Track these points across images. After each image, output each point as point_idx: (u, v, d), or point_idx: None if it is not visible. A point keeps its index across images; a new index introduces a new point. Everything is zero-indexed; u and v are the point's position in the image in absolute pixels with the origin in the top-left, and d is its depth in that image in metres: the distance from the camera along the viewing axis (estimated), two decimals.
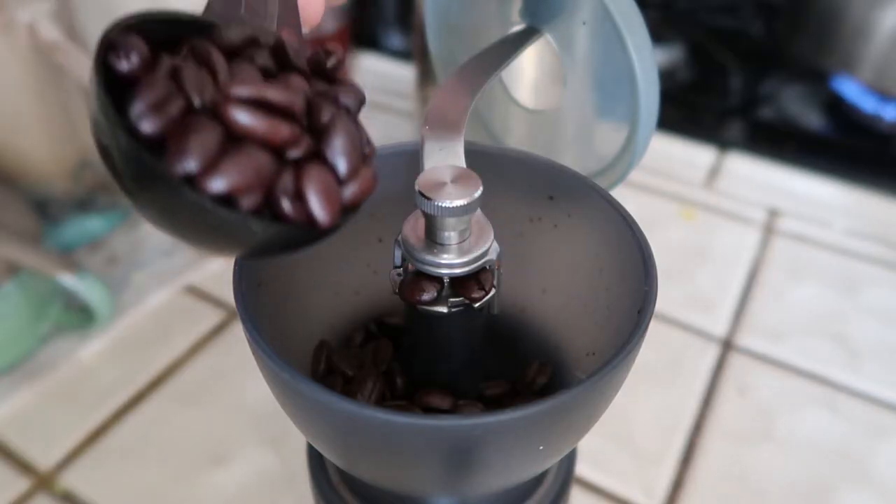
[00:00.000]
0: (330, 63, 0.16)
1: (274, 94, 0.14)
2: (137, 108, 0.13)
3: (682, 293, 0.45)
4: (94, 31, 0.53)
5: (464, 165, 0.20)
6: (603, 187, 0.23)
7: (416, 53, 0.54)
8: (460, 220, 0.19)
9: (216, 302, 0.43)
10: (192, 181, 0.13)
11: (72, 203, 0.46)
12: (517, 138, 0.28)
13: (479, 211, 0.21)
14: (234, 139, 0.13)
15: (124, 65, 0.13)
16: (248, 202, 0.13)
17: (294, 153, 0.14)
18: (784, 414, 0.38)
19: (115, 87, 0.13)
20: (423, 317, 0.21)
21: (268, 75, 0.15)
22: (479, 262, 0.20)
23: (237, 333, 0.41)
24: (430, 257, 0.20)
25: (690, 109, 0.61)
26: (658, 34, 0.66)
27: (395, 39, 0.72)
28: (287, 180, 0.14)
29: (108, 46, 0.14)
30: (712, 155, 0.57)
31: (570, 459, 0.26)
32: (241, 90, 0.13)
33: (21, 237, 0.37)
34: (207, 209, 0.13)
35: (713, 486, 0.34)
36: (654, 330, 0.41)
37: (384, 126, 0.61)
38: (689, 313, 0.43)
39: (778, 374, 0.40)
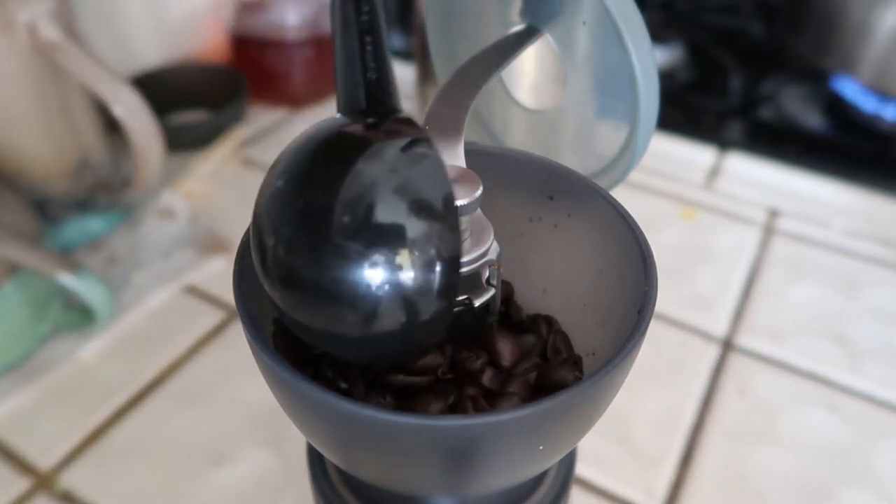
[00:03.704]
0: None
1: None
2: None
3: (682, 293, 0.45)
4: (94, 31, 0.54)
5: (464, 165, 0.20)
6: (603, 187, 0.23)
7: (417, 53, 0.54)
8: (460, 220, 0.19)
9: (216, 302, 0.43)
10: None
11: (72, 203, 0.46)
12: (517, 138, 0.28)
13: (479, 211, 0.21)
14: None
15: None
16: None
17: None
18: (784, 414, 0.38)
19: None
20: None
21: None
22: (479, 262, 0.20)
23: (237, 333, 0.41)
24: None
25: (690, 109, 0.61)
26: (658, 34, 0.66)
27: (395, 39, 0.72)
28: None
29: None
30: (712, 155, 0.57)
31: (570, 459, 0.26)
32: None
33: (21, 237, 0.37)
34: None
35: (713, 486, 0.34)
36: (654, 330, 0.41)
37: None
38: (689, 313, 0.43)
39: (778, 374, 0.40)
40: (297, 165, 0.17)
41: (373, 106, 0.18)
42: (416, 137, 0.17)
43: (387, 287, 0.16)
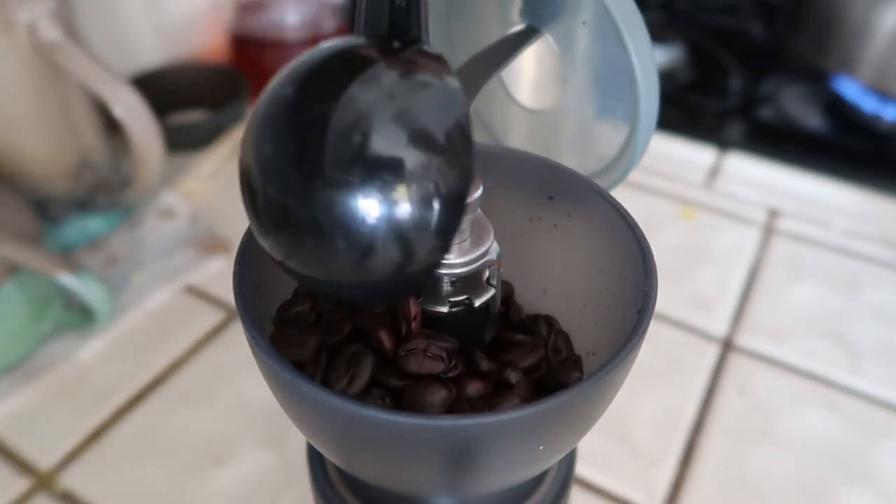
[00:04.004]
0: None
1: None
2: None
3: (682, 293, 0.45)
4: (94, 31, 0.53)
5: None
6: (603, 187, 0.23)
7: None
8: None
9: (216, 302, 0.43)
10: None
11: (72, 203, 0.46)
12: (517, 138, 0.28)
13: (479, 211, 0.21)
14: None
15: None
16: None
17: None
18: (784, 414, 0.38)
19: None
20: (424, 317, 0.21)
21: None
22: (479, 263, 0.20)
23: (237, 333, 0.41)
24: None
25: (690, 109, 0.61)
26: (658, 34, 0.66)
27: None
28: None
29: None
30: (712, 155, 0.57)
31: (570, 459, 0.26)
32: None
33: (21, 237, 0.37)
34: None
35: (713, 486, 0.34)
36: (654, 330, 0.41)
37: None
38: (689, 313, 0.43)
39: (778, 374, 0.40)
40: (289, 90, 0.16)
41: (395, 34, 0.16)
42: (429, 66, 0.16)
43: (382, 222, 0.15)
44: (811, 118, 0.61)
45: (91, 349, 0.40)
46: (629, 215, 0.21)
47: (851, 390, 0.39)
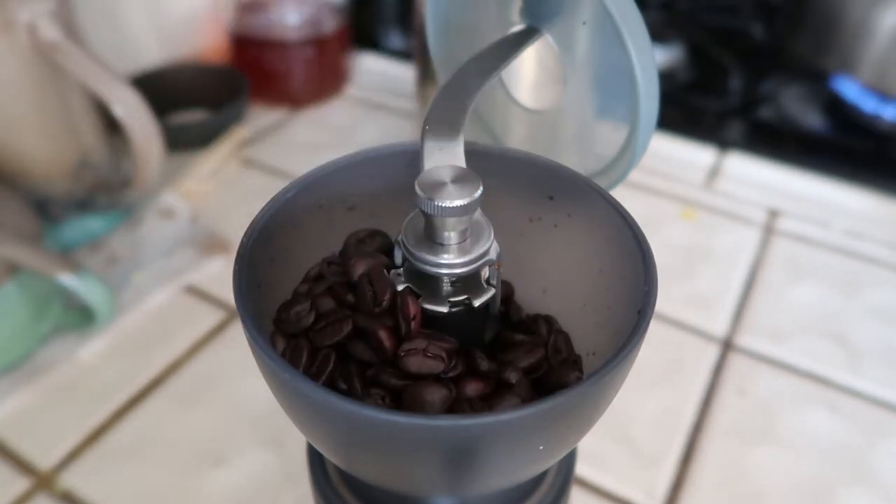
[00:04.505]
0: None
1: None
2: None
3: (682, 293, 0.45)
4: (94, 31, 0.53)
5: (464, 165, 0.20)
6: (603, 187, 0.23)
7: (416, 53, 0.54)
8: (460, 220, 0.19)
9: (216, 302, 0.43)
10: None
11: (72, 203, 0.46)
12: (517, 138, 0.28)
13: (479, 211, 0.21)
14: None
15: None
16: None
17: None
18: (784, 414, 0.38)
19: None
20: (424, 317, 0.21)
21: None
22: (479, 262, 0.20)
23: (237, 333, 0.41)
24: (430, 257, 0.20)
25: (690, 109, 0.61)
26: (658, 34, 0.66)
27: (395, 39, 0.72)
28: None
29: None
30: (712, 155, 0.57)
31: (570, 459, 0.26)
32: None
33: (21, 237, 0.37)
34: None
35: (713, 486, 0.34)
36: (654, 330, 0.41)
37: (384, 126, 0.61)
38: (689, 313, 0.43)
39: (778, 374, 0.40)
40: None
41: None
42: None
43: None
44: (811, 118, 0.61)
45: (91, 349, 0.40)
46: (629, 215, 0.21)
47: (851, 390, 0.39)
